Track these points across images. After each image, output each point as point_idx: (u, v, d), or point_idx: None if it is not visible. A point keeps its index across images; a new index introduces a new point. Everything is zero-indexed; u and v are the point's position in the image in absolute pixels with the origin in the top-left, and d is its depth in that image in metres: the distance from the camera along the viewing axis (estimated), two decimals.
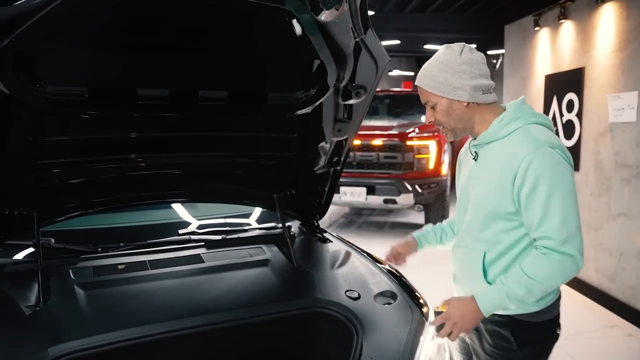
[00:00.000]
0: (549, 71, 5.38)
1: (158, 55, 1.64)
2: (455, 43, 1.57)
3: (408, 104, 8.01)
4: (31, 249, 1.98)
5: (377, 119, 7.69)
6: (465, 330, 1.55)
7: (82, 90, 1.63)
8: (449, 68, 1.51)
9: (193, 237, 2.33)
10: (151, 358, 1.70)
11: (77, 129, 1.80)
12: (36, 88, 1.52)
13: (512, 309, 1.56)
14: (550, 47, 5.36)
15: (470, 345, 1.81)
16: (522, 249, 1.55)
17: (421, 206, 6.73)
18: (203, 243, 2.28)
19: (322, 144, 2.20)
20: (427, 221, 6.94)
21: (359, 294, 1.94)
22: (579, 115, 4.78)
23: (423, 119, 6.91)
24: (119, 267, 2.02)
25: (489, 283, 1.57)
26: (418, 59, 15.42)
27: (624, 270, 4.18)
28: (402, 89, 9.53)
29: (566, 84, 4.95)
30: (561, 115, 5.10)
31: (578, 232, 1.46)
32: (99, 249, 2.08)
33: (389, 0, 8.42)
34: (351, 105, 2.03)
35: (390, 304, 1.91)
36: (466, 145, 1.78)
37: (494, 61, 9.61)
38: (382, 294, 1.97)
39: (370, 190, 6.50)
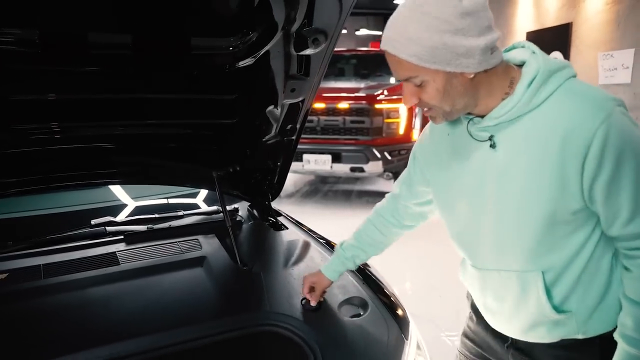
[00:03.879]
0: (531, 28, 4.94)
1: None
2: None
3: (376, 64, 7.53)
4: None
5: (343, 81, 7.21)
6: None
7: None
8: (446, 25, 0.95)
9: (109, 228, 1.83)
10: None
11: None
12: None
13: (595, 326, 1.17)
14: (534, 1, 4.90)
15: None
16: (591, 250, 1.12)
17: (390, 174, 6.38)
18: (122, 237, 1.78)
19: (271, 107, 1.76)
20: None
21: (318, 303, 1.52)
22: None
23: (392, 80, 6.44)
24: None
25: (557, 309, 1.15)
26: (387, 17, 14.76)
27: None
28: (370, 49, 9.03)
29: (551, 41, 4.54)
30: None
31: None
32: None
33: None
34: (308, 56, 1.59)
35: (359, 315, 1.52)
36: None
37: None
38: (348, 301, 1.58)
39: (336, 158, 6.15)
